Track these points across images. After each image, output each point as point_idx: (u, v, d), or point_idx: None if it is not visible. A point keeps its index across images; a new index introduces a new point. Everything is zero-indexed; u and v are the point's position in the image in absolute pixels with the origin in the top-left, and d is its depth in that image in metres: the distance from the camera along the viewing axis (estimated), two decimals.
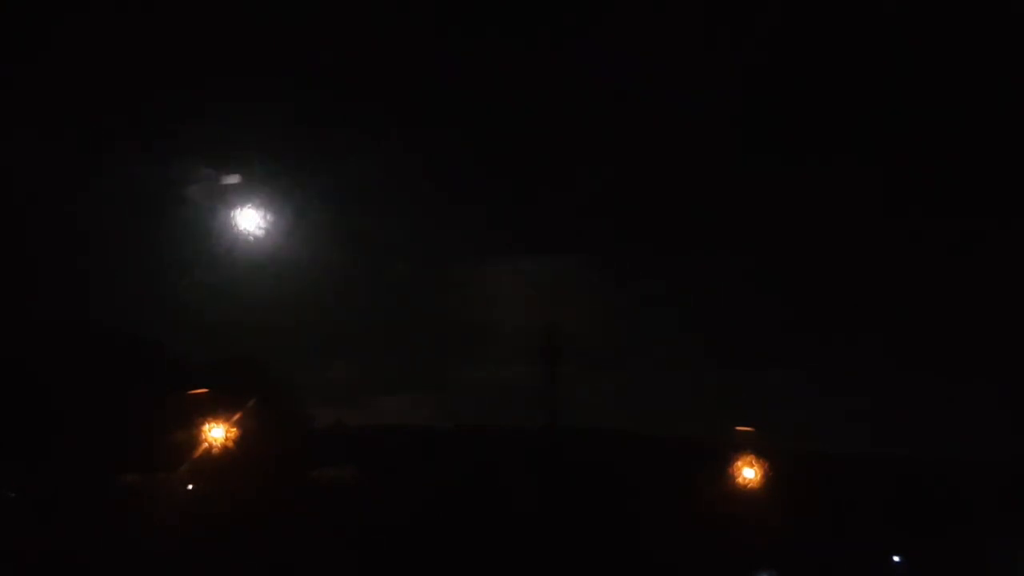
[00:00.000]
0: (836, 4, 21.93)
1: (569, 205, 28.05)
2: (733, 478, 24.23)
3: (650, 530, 22.96)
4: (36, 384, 21.80)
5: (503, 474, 25.08)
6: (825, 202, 27.26)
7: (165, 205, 20.98)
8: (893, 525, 24.65)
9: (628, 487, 24.40)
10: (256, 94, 21.14)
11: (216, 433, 22.24)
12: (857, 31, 21.95)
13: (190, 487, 22.24)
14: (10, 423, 20.62)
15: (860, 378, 29.19)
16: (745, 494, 24.00)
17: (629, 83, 24.69)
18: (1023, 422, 24.74)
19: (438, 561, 21.72)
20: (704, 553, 22.47)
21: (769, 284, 30.12)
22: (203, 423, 22.22)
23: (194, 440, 22.19)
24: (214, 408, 22.40)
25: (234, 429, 22.30)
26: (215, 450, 22.20)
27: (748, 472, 24.20)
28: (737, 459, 24.27)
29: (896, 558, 25.03)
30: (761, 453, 24.38)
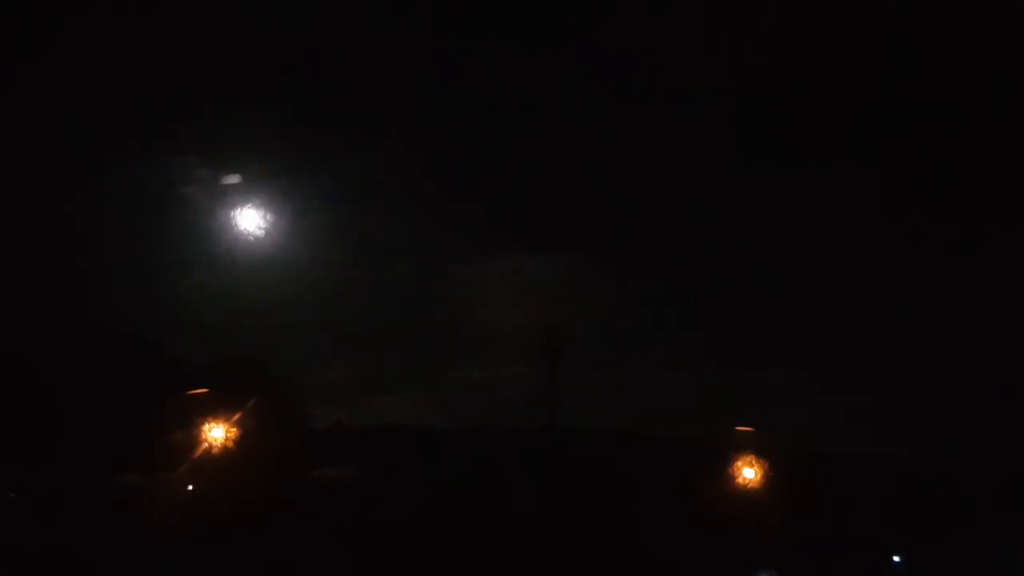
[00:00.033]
0: (836, 4, 21.94)
1: (569, 205, 28.12)
2: (733, 478, 24.21)
3: (650, 530, 22.95)
4: (36, 384, 21.80)
5: (503, 474, 25.08)
6: (825, 202, 27.30)
7: (165, 205, 21.04)
8: (893, 525, 24.64)
9: (628, 487, 24.39)
10: (256, 94, 21.18)
11: (216, 433, 22.23)
12: (857, 31, 21.96)
13: (190, 487, 22.24)
14: (10, 423, 20.62)
15: (860, 378, 29.28)
16: (745, 494, 23.99)
17: (629, 83, 24.72)
18: (1023, 422, 24.75)
19: (438, 561, 21.71)
20: (704, 553, 22.46)
21: (769, 284, 30.20)
22: (203, 423, 22.21)
23: (194, 440, 22.19)
24: (214, 408, 22.39)
25: (234, 429, 22.29)
26: (215, 450, 22.19)
27: (748, 472, 24.19)
28: (737, 459, 24.26)
29: (896, 558, 25.02)
30: (761, 453, 24.37)
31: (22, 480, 21.71)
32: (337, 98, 23.41)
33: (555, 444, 25.49)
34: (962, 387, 27.66)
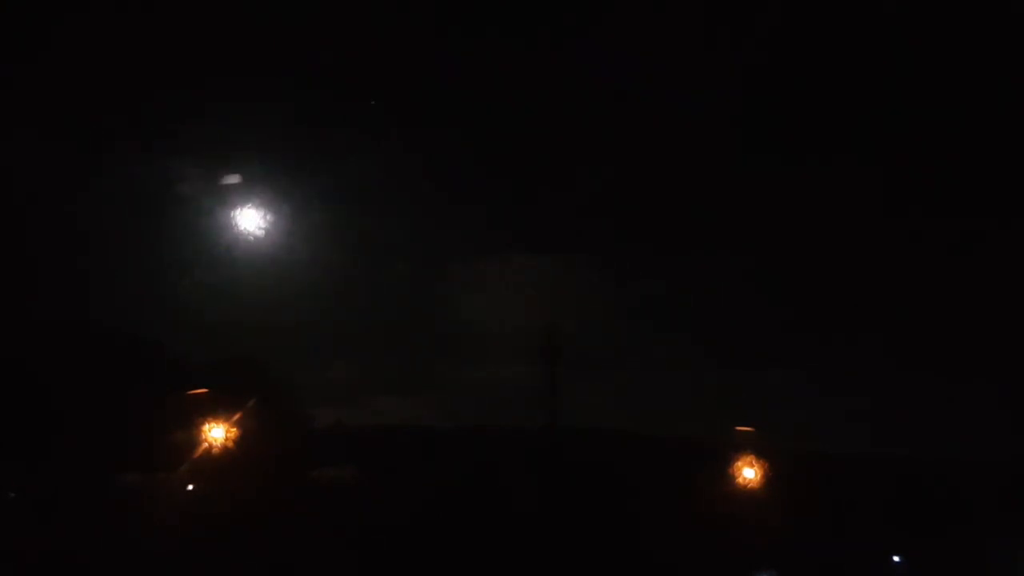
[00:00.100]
0: (836, 4, 21.93)
1: (569, 205, 28.08)
2: (733, 478, 24.20)
3: (650, 530, 22.94)
4: (36, 384, 21.80)
5: (503, 474, 25.08)
6: (825, 202, 27.29)
7: (165, 205, 21.00)
8: (893, 525, 24.64)
9: (628, 487, 24.39)
10: (256, 94, 21.14)
11: (216, 433, 22.23)
12: (857, 31, 21.94)
13: (190, 487, 22.24)
14: (10, 423, 20.61)
15: (860, 378, 29.23)
16: (745, 494, 23.98)
17: (629, 83, 24.69)
18: (1023, 422, 24.74)
19: (438, 561, 21.71)
20: (704, 553, 22.46)
21: (769, 284, 30.16)
22: (203, 423, 22.21)
23: (194, 440, 22.19)
24: (214, 408, 22.39)
25: (234, 429, 22.29)
26: (215, 450, 22.19)
27: (748, 472, 24.17)
28: (737, 459, 24.25)
29: (896, 558, 25.01)
30: (761, 453, 24.36)
31: (22, 480, 21.71)
32: (337, 98, 23.38)
33: (555, 444, 25.48)
34: (962, 387, 27.66)
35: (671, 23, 22.88)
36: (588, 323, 28.94)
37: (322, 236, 21.47)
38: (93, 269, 23.69)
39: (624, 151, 26.43)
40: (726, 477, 24.19)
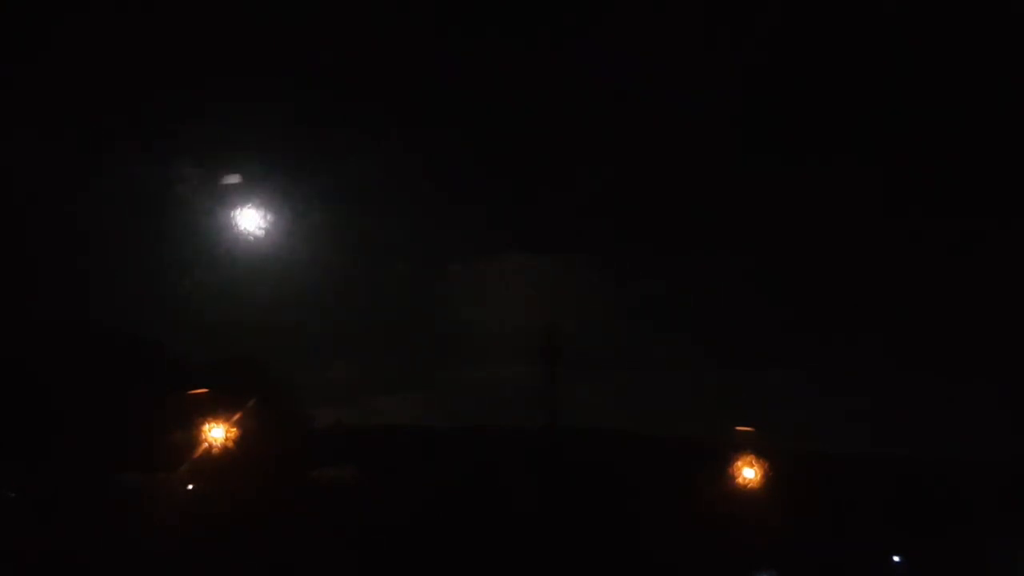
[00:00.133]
0: (836, 4, 21.94)
1: (569, 205, 28.13)
2: (733, 478, 24.20)
3: (650, 530, 22.94)
4: (36, 384, 21.80)
5: (503, 474, 25.07)
6: (825, 202, 27.33)
7: (165, 205, 20.96)
8: (893, 525, 24.64)
9: (628, 487, 24.39)
10: (256, 94, 21.17)
11: (216, 433, 22.21)
12: (857, 31, 21.96)
13: (190, 487, 22.23)
14: (10, 423, 20.61)
15: (860, 378, 29.30)
16: (745, 494, 23.97)
17: (629, 83, 24.72)
18: (1023, 422, 24.75)
19: (438, 561, 21.70)
20: (704, 553, 22.45)
21: (769, 284, 30.22)
22: (203, 423, 22.20)
23: (194, 440, 22.17)
24: (214, 408, 22.37)
25: (234, 429, 22.28)
26: (215, 450, 22.17)
27: (748, 472, 24.17)
28: (737, 459, 24.24)
29: (896, 558, 25.01)
30: (761, 453, 24.36)
31: (22, 480, 21.70)
32: (337, 98, 23.41)
33: (555, 444, 25.49)
34: (962, 387, 27.71)
35: (671, 23, 22.92)
36: (588, 323, 29.02)
37: (322, 236, 21.48)
38: (93, 269, 23.72)
39: (624, 151, 26.49)
40: (726, 477, 24.19)
